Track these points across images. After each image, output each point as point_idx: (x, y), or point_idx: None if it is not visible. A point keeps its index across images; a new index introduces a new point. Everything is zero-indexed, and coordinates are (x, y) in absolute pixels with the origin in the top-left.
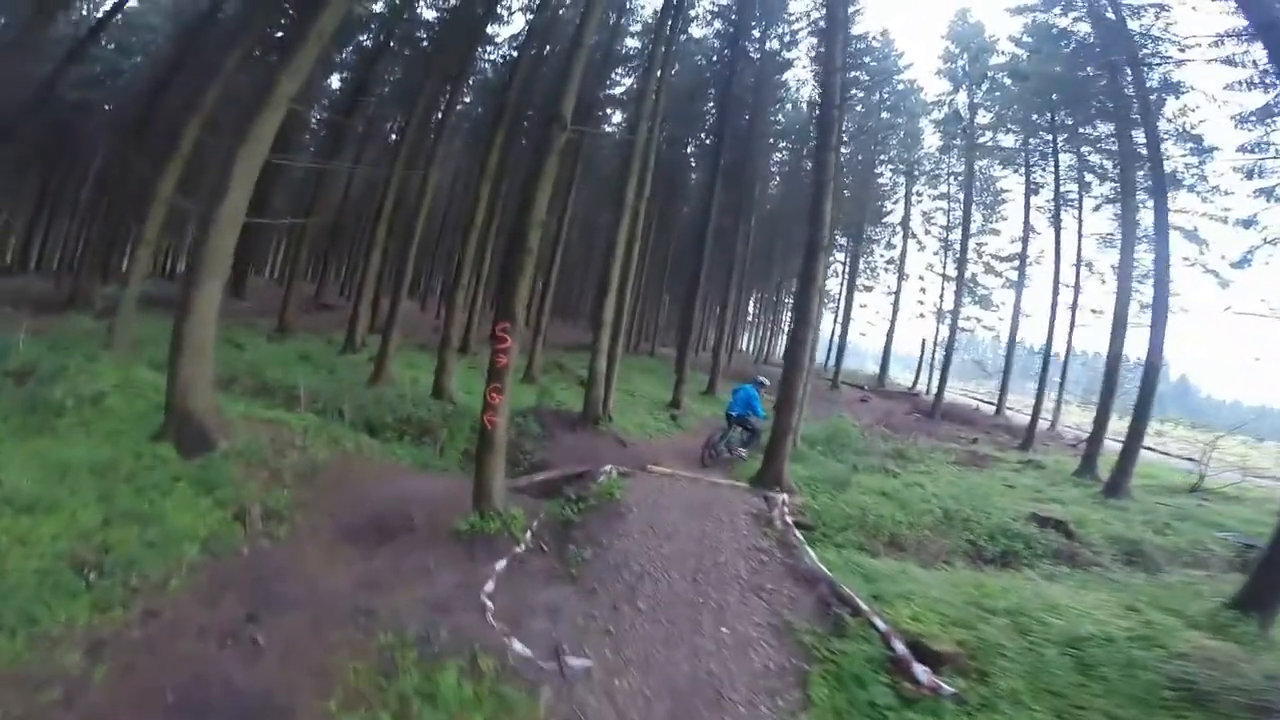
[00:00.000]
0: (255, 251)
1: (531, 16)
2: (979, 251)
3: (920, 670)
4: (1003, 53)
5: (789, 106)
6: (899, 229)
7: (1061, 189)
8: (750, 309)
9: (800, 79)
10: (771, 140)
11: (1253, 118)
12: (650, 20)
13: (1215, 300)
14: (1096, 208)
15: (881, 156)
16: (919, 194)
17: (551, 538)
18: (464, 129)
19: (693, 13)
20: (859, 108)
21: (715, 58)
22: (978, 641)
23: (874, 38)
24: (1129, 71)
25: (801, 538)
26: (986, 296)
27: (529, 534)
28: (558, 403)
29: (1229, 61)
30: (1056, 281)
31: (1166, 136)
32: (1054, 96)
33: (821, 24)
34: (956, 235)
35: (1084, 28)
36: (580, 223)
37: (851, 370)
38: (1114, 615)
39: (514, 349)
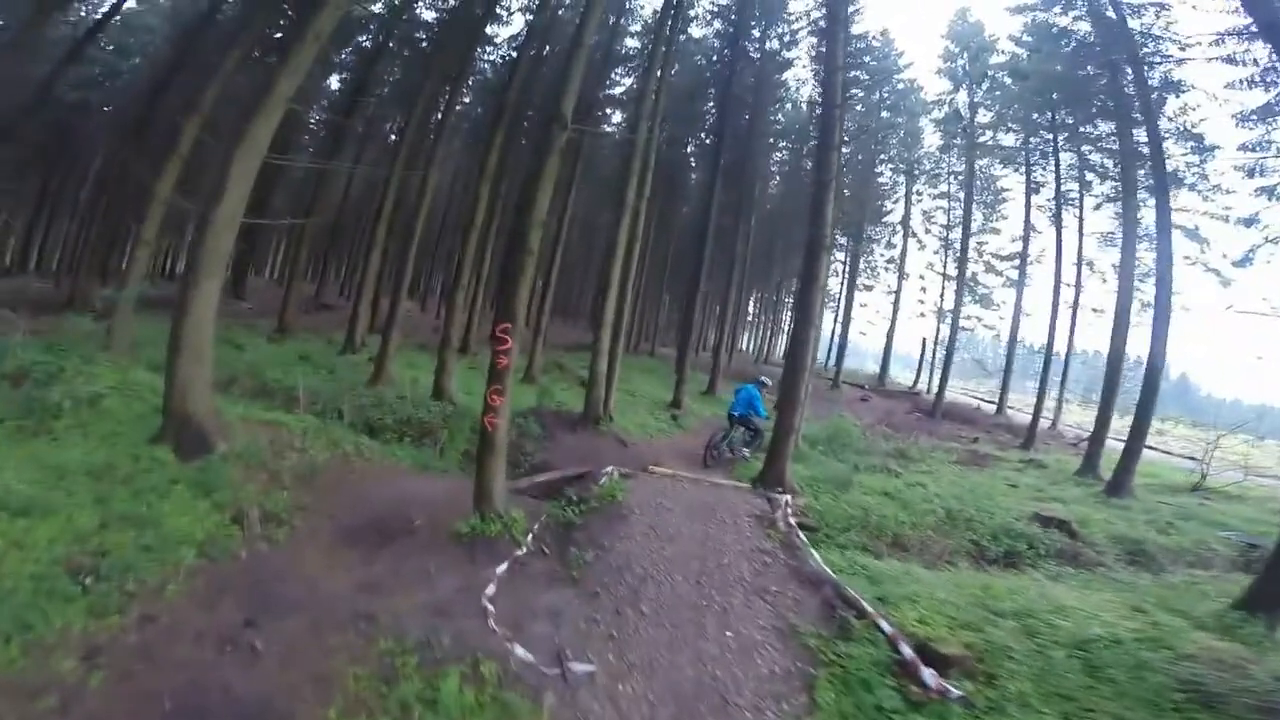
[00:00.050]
0: (255, 252)
1: (531, 17)
2: (979, 250)
3: (928, 674)
4: (1003, 52)
5: (789, 106)
6: (899, 228)
7: (1062, 188)
8: (750, 309)
9: (800, 78)
10: (771, 140)
11: (1254, 116)
12: (650, 20)
13: (1216, 299)
14: (1097, 206)
15: (881, 156)
16: (919, 193)
17: (553, 540)
18: (463, 129)
19: (692, 12)
20: (859, 107)
21: (715, 57)
22: (985, 644)
23: (874, 37)
24: (1130, 70)
25: (805, 539)
26: (987, 295)
27: (530, 536)
28: (558, 403)
29: (1230, 60)
30: (1057, 280)
31: (1167, 135)
32: (1054, 95)
33: (821, 23)
34: (957, 234)
35: (1084, 27)
36: (580, 222)
37: (852, 370)
38: (1121, 616)
39: (515, 350)
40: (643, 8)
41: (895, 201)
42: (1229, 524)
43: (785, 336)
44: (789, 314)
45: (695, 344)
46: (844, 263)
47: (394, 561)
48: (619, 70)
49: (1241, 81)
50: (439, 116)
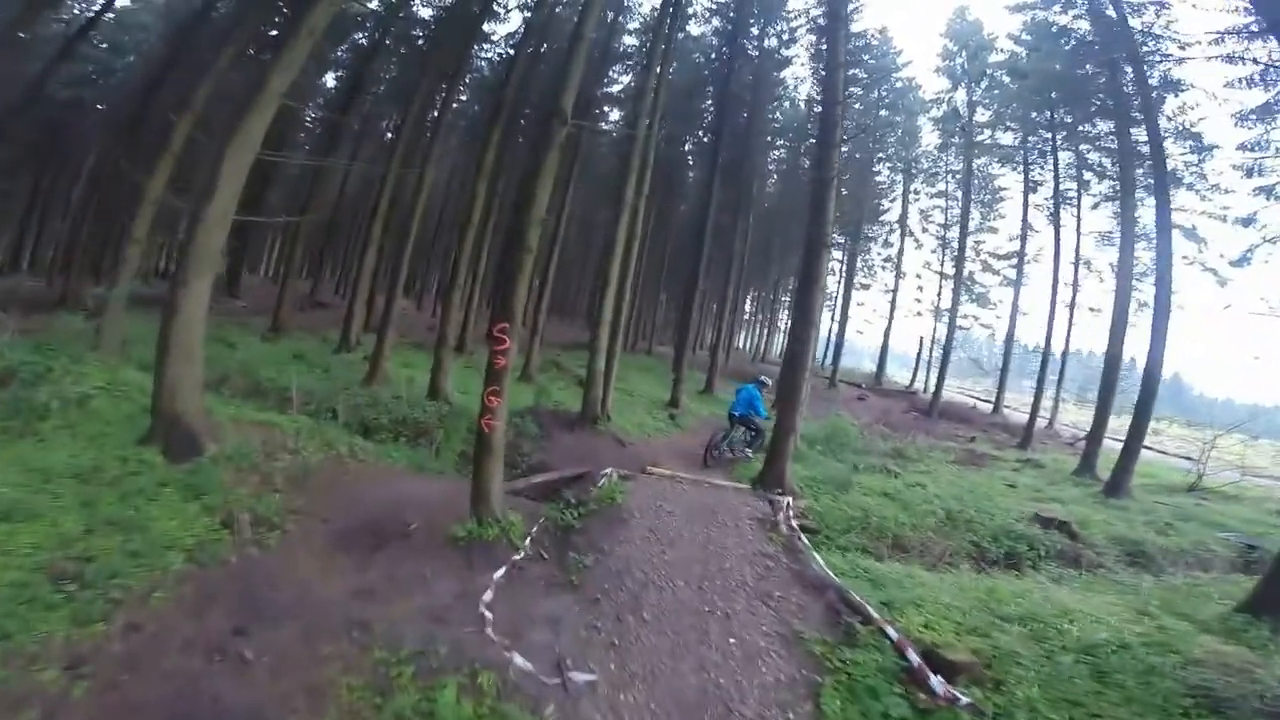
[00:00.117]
0: (249, 249)
1: (529, 14)
2: (977, 249)
3: (936, 681)
4: (1002, 50)
5: (787, 104)
6: (896, 227)
7: (1060, 187)
8: (747, 307)
9: (799, 77)
10: (769, 138)
11: (1253, 115)
12: (648, 17)
13: (1212, 298)
14: (1095, 206)
15: (879, 154)
16: (916, 192)
17: (551, 544)
18: (460, 127)
19: (691, 10)
20: (857, 105)
21: (713, 55)
22: (993, 650)
23: (872, 35)
24: (1129, 69)
25: (808, 542)
26: (984, 295)
27: (528, 540)
28: (555, 402)
29: (1229, 59)
30: (1055, 279)
31: (1166, 134)
32: (1053, 94)
33: (821, 21)
34: (954, 233)
35: (1084, 25)
36: (578, 220)
37: (848, 368)
38: (1126, 620)
39: (513, 350)
40: (641, 5)
41: (893, 200)
42: (1227, 525)
43: (782, 335)
44: (786, 313)
45: (692, 342)
46: (841, 261)
47: (389, 566)
48: (617, 68)
49: (1241, 80)
50: (435, 114)
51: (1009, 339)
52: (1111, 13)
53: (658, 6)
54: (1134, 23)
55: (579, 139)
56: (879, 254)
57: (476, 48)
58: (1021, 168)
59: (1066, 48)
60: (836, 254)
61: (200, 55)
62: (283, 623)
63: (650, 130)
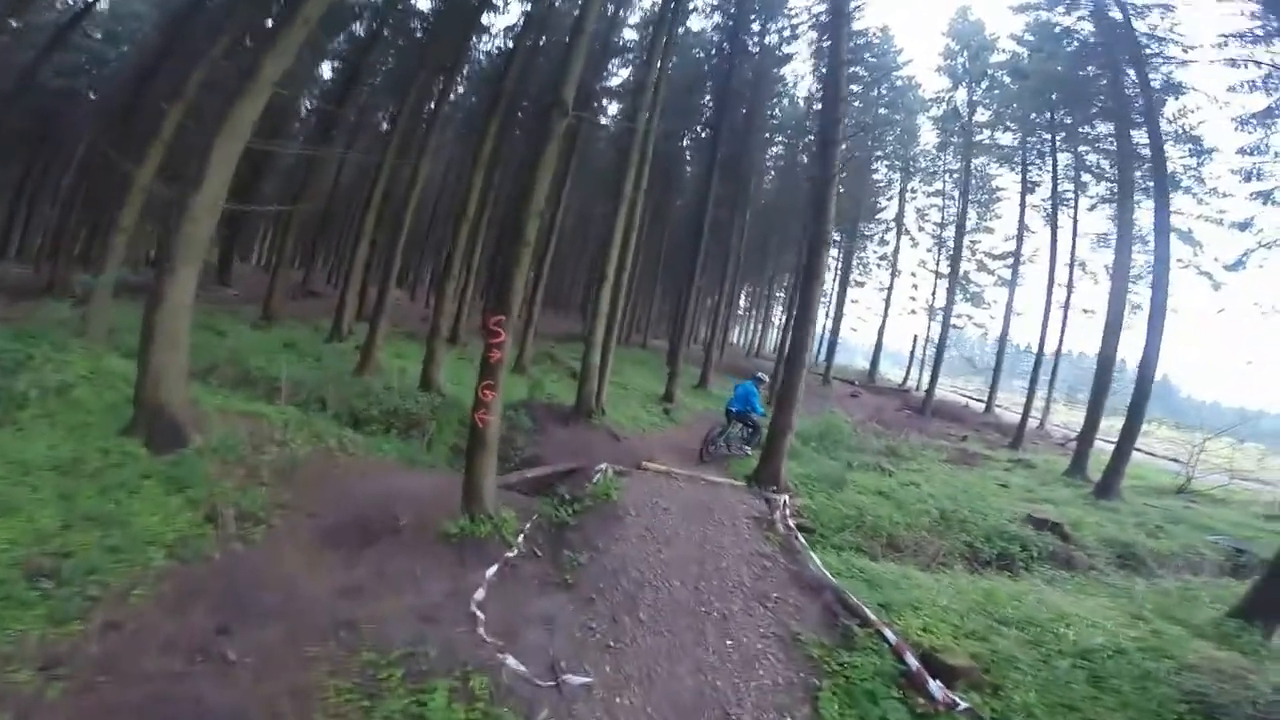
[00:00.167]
0: (241, 238)
1: (529, 7)
2: (972, 249)
3: (935, 686)
4: (1003, 51)
5: (786, 101)
6: (893, 225)
7: (1058, 188)
8: (742, 302)
9: (798, 73)
10: (768, 135)
11: (1254, 120)
12: (649, 11)
13: (1205, 302)
14: (1092, 208)
15: (878, 153)
16: (913, 191)
17: (545, 541)
18: (457, 119)
19: (691, 5)
20: (857, 103)
21: (713, 51)
22: (991, 654)
23: (874, 33)
24: (1132, 72)
25: (805, 542)
26: (979, 294)
27: (521, 537)
28: (549, 395)
29: (1233, 63)
30: (1051, 280)
31: (1166, 137)
32: (1054, 95)
33: (823, 18)
34: (950, 232)
35: (1087, 27)
36: (574, 213)
37: (842, 365)
38: (1121, 625)
39: (508, 343)
40: None
41: (890, 198)
42: (1216, 528)
43: (776, 330)
44: (780, 308)
45: (687, 337)
46: (837, 259)
47: (378, 563)
48: (616, 61)
49: (1243, 84)
50: (432, 106)
51: (1003, 339)
52: (1116, 15)
53: (659, 1)
54: (1138, 25)
55: (577, 132)
56: (875, 252)
57: (475, 40)
58: (1020, 168)
59: (1069, 49)
60: (832, 251)
61: (195, 44)
62: (267, 622)
63: (650, 124)
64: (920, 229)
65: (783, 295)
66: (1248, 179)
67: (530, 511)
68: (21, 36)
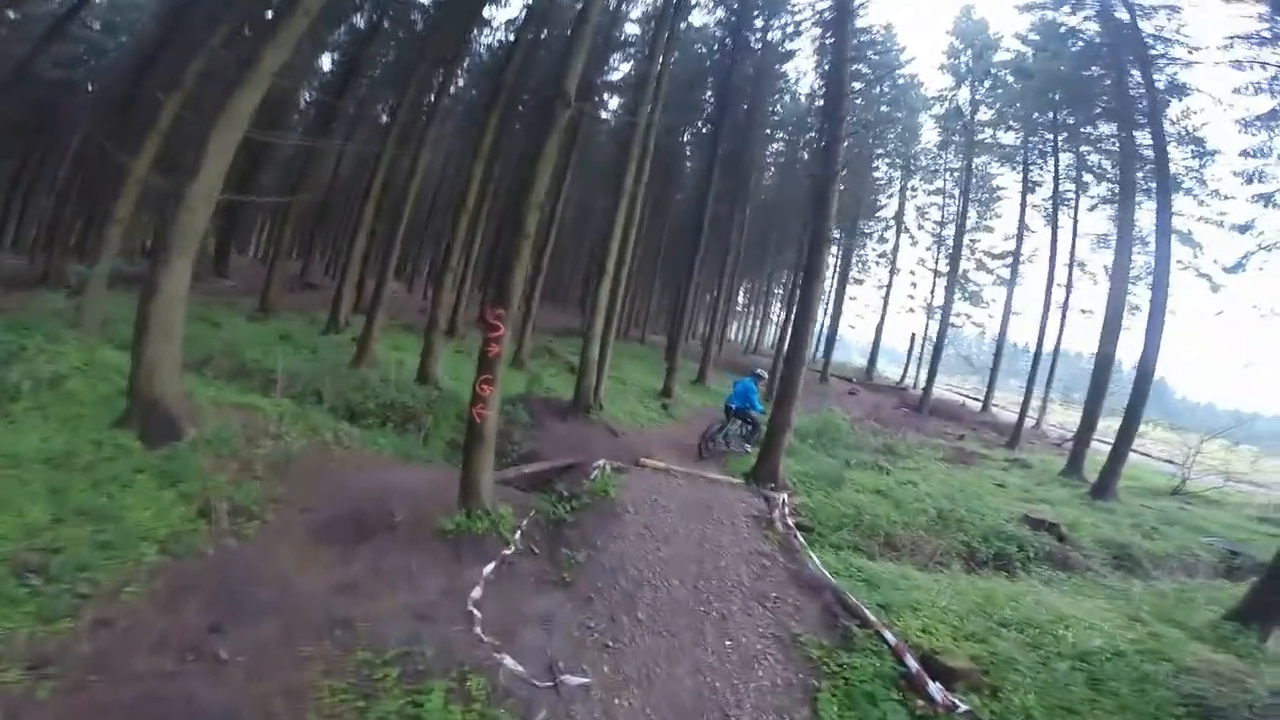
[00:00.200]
0: (239, 229)
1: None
2: (972, 248)
3: (935, 688)
4: (1007, 50)
5: (787, 98)
6: (892, 223)
7: (1059, 188)
8: (740, 298)
9: (800, 70)
10: (769, 131)
11: (1258, 122)
12: (651, 5)
13: (1204, 304)
14: (1092, 208)
15: (879, 151)
16: (914, 189)
17: (543, 538)
18: (456, 112)
19: (694, 0)
20: (859, 101)
21: (716, 46)
22: (990, 656)
23: (877, 31)
24: (1137, 72)
25: (804, 541)
26: (977, 293)
27: (519, 534)
28: (547, 390)
29: (1238, 65)
30: (1050, 280)
31: (1169, 138)
32: (1057, 95)
33: (826, 15)
34: (949, 231)
35: (1092, 27)
36: (573, 207)
37: (839, 363)
38: (1119, 627)
39: (507, 337)
40: None
41: (890, 196)
42: (1210, 530)
43: (774, 327)
44: (779, 304)
45: (685, 332)
46: (836, 256)
47: (373, 559)
48: (618, 56)
49: (1248, 87)
50: (432, 98)
51: (1000, 338)
52: (1122, 15)
53: None
54: (1144, 26)
55: (578, 126)
56: (874, 249)
57: (476, 33)
58: (1021, 168)
59: (1074, 49)
60: (832, 248)
61: (194, 34)
62: (261, 620)
63: (651, 118)
64: (920, 227)
65: (781, 292)
66: (1249, 181)
67: (528, 508)
68: (19, 28)
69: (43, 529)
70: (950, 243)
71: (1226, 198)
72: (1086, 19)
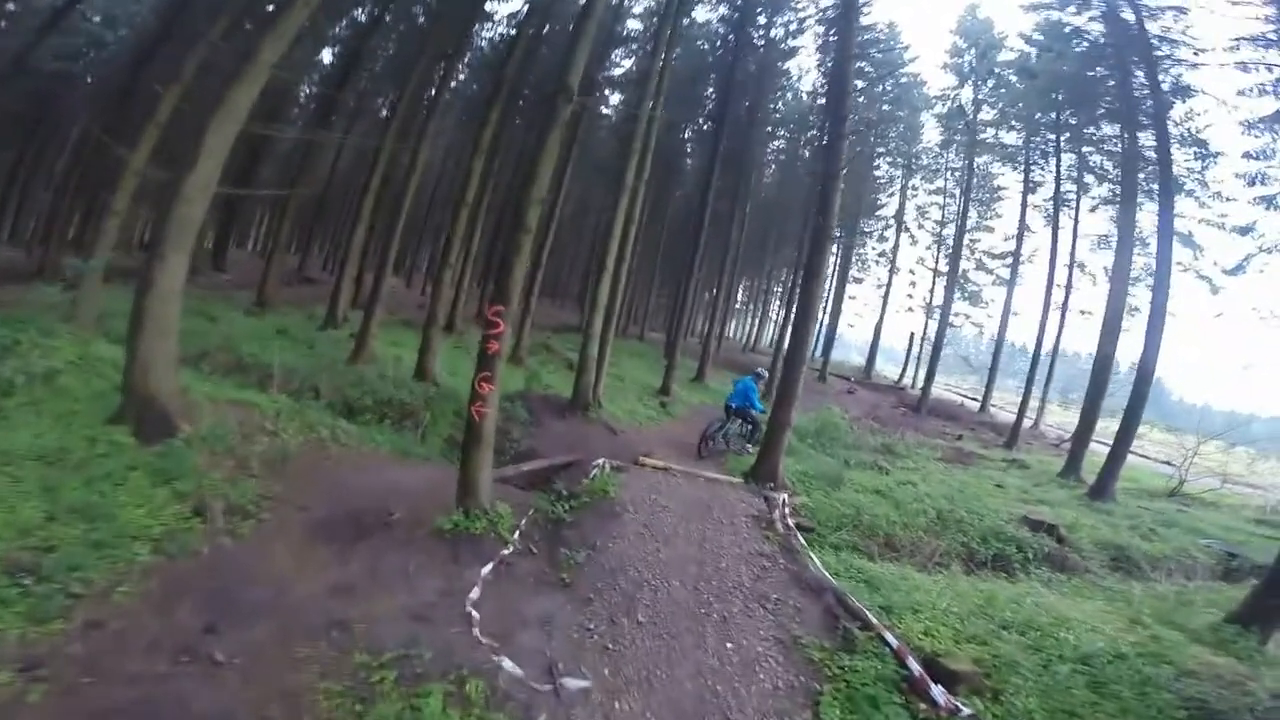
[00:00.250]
0: (237, 223)
1: None
2: (972, 248)
3: (937, 691)
4: (1011, 49)
5: (789, 96)
6: (892, 222)
7: (1060, 189)
8: (739, 296)
9: (802, 68)
10: (770, 129)
11: (1261, 124)
12: (654, 1)
13: (1204, 306)
14: (1093, 209)
15: (880, 149)
16: (915, 188)
17: (542, 538)
18: (457, 107)
19: None
20: (861, 99)
21: (718, 43)
22: (992, 659)
23: (880, 29)
24: (1142, 74)
25: (805, 542)
26: (976, 293)
27: (517, 534)
28: (545, 387)
29: (1244, 67)
30: (1050, 281)
31: (1172, 140)
32: (1061, 95)
33: (830, 13)
34: (949, 230)
35: (1097, 27)
36: (573, 203)
37: (837, 361)
38: (1120, 629)
39: (507, 334)
40: None
41: (890, 195)
42: (1207, 532)
43: (773, 325)
44: (778, 303)
45: (684, 329)
46: (836, 255)
47: (370, 559)
48: (619, 51)
49: (1253, 89)
50: (433, 92)
51: (999, 338)
52: (1128, 16)
53: None
54: (1150, 27)
55: (579, 121)
56: (874, 248)
57: (478, 26)
58: (1022, 168)
59: (1079, 49)
60: (831, 247)
61: (194, 27)
62: (256, 621)
63: (653, 114)
64: (920, 226)
65: (780, 290)
66: (1251, 183)
67: (526, 507)
68: (18, 19)
69: (35, 527)
70: (950, 242)
71: (1228, 200)
72: (1092, 19)
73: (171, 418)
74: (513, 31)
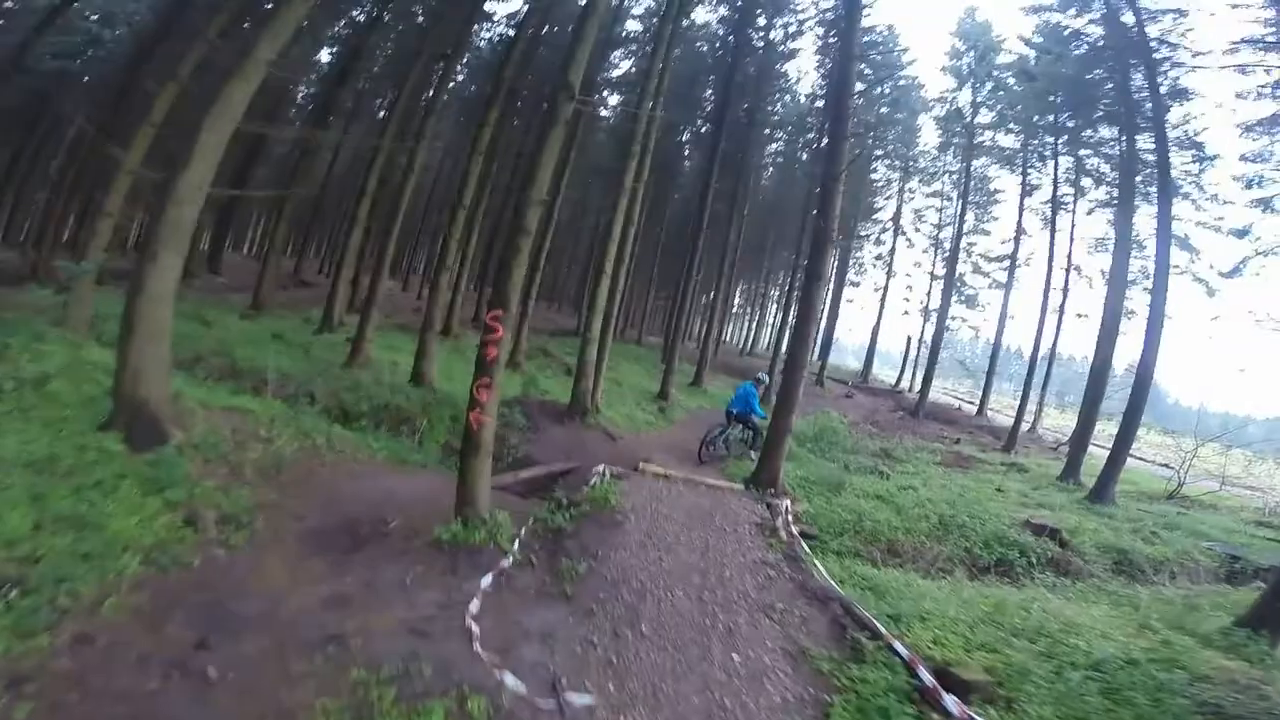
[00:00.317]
0: (233, 226)
1: None
2: (969, 251)
3: (950, 701)
4: (1010, 52)
5: (787, 97)
6: (890, 225)
7: (1058, 192)
8: (737, 300)
9: (801, 70)
10: (768, 131)
11: (1259, 127)
12: (654, 1)
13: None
14: (1090, 212)
15: (877, 152)
16: (912, 191)
17: (542, 548)
18: (455, 108)
19: None
20: (859, 101)
21: (718, 45)
22: (1004, 667)
23: (879, 31)
24: (1141, 77)
25: (809, 550)
26: (973, 296)
27: (517, 544)
28: (544, 392)
29: (1243, 70)
30: (1048, 284)
31: (1170, 143)
32: (1059, 98)
33: (829, 15)
34: (947, 234)
35: (1097, 30)
36: (570, 205)
37: (834, 366)
38: (1130, 635)
39: (505, 339)
40: None
41: (888, 198)
42: (1209, 534)
43: (770, 329)
44: (775, 306)
45: (682, 333)
46: (833, 258)
47: (367, 571)
48: (618, 53)
49: (1251, 91)
50: (431, 93)
51: (996, 341)
52: (1128, 18)
53: None
54: (1150, 30)
55: (578, 123)
56: (870, 252)
57: (477, 26)
58: (1020, 170)
59: (1078, 52)
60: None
61: (192, 26)
62: (250, 636)
63: (652, 115)
64: (917, 229)
65: (778, 294)
66: (1248, 186)
67: (525, 515)
68: (15, 17)
69: (22, 538)
70: (947, 245)
71: (1225, 202)
72: (1092, 22)
73: (163, 424)
74: (511, 32)
